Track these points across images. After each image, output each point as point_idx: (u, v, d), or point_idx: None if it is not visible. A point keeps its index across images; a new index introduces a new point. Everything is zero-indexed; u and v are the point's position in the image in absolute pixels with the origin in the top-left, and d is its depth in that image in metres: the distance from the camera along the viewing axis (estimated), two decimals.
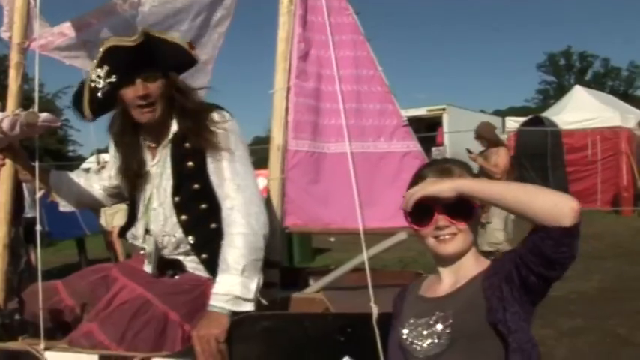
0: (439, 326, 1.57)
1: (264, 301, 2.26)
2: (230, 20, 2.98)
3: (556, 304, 6.28)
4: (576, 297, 6.65)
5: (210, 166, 2.27)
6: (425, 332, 1.60)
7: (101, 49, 2.20)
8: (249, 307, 2.12)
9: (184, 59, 2.35)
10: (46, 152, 24.05)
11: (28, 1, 2.53)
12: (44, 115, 2.22)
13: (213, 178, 2.27)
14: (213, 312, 2.09)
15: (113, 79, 2.17)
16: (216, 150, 2.24)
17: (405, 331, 1.65)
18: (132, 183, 2.43)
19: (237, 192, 2.23)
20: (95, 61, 2.21)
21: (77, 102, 2.30)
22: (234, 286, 2.11)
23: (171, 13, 2.77)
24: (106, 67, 2.17)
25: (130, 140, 2.35)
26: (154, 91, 2.21)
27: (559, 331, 5.40)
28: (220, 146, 2.25)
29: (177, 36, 2.52)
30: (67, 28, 2.64)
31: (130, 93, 2.19)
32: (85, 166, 11.05)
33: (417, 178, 1.68)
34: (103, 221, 8.71)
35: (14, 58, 2.51)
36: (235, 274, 2.12)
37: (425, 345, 1.58)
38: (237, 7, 2.97)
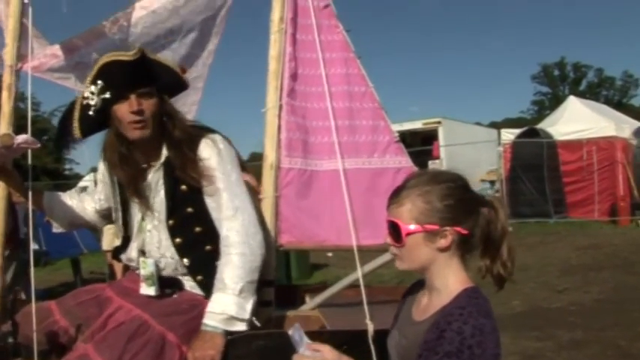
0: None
1: (257, 323, 2.25)
2: (219, 38, 3.01)
3: (555, 317, 6.27)
4: (575, 309, 6.62)
5: (207, 189, 2.26)
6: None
7: (95, 66, 2.19)
8: (243, 327, 2.12)
9: (176, 82, 2.35)
10: (43, 171, 24.01)
11: (22, 22, 2.54)
12: (21, 137, 2.19)
13: (209, 201, 2.27)
14: (207, 332, 2.08)
15: (107, 95, 2.16)
16: (208, 177, 2.24)
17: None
18: (122, 204, 2.42)
19: (236, 214, 2.23)
20: (89, 77, 2.19)
21: (66, 121, 2.29)
22: (230, 306, 2.11)
23: (162, 33, 2.80)
24: (100, 84, 2.16)
25: (122, 160, 2.30)
26: (147, 108, 2.19)
27: (558, 343, 5.36)
28: (212, 173, 2.25)
29: (169, 57, 2.53)
30: (58, 50, 2.65)
31: (123, 108, 2.16)
32: (81, 184, 11.00)
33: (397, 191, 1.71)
34: (104, 241, 8.64)
35: (6, 79, 2.53)
36: (232, 294, 2.12)
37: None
38: (229, 23, 3.01)
